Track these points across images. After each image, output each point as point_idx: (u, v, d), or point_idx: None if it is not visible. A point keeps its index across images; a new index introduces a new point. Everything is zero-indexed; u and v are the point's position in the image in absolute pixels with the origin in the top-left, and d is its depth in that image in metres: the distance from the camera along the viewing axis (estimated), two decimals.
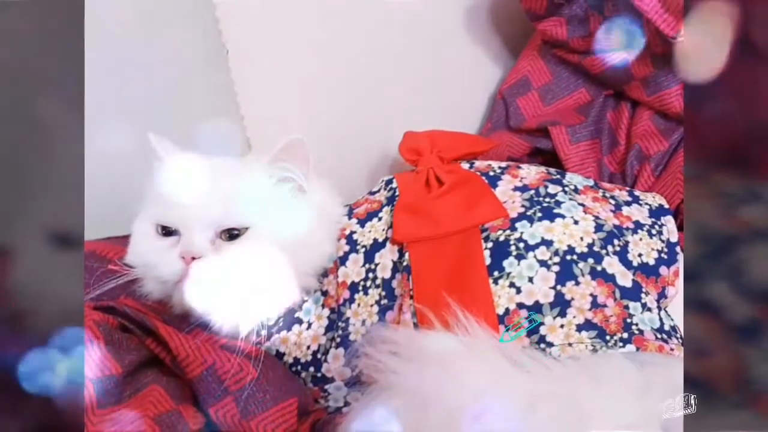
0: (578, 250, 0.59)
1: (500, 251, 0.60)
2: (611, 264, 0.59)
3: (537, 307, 0.57)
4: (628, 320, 0.57)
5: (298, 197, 0.63)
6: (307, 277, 0.64)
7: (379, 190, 0.70)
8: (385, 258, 0.63)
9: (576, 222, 0.61)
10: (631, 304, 0.57)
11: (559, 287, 0.58)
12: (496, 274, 0.59)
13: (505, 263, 0.59)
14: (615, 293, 0.58)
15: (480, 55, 0.97)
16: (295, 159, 0.62)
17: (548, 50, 0.90)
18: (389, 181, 0.70)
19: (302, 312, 0.64)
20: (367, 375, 0.58)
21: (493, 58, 0.98)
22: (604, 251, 0.60)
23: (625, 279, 0.59)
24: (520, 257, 0.59)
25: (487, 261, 0.60)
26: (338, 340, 0.63)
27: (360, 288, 0.63)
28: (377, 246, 0.64)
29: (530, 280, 0.58)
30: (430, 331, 0.57)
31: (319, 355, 0.63)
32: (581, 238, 0.60)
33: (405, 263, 0.62)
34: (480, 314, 0.57)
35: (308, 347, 0.63)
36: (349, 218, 0.67)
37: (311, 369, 0.63)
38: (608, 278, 0.58)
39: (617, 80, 0.84)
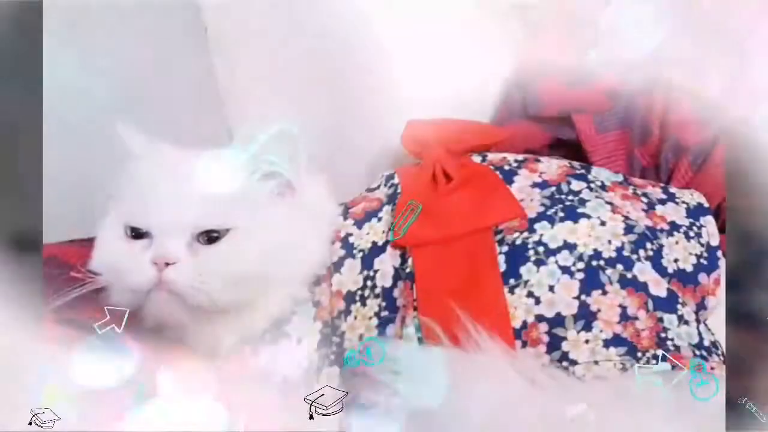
0: (605, 254, 0.60)
1: (517, 256, 0.60)
2: (643, 271, 0.59)
3: (559, 320, 0.58)
4: (663, 335, 0.57)
5: (286, 195, 0.63)
6: (296, 285, 0.64)
7: (378, 187, 0.70)
8: (386, 264, 0.64)
9: (603, 223, 0.62)
10: (666, 317, 0.58)
11: (583, 297, 0.58)
12: (512, 282, 0.59)
13: (523, 270, 0.60)
14: (647, 304, 0.58)
15: (493, 32, 0.97)
16: (284, 152, 0.62)
17: None
18: (390, 177, 0.70)
19: (291, 325, 0.64)
20: (365, 397, 0.58)
21: (508, 36, 0.98)
22: (635, 256, 0.60)
23: (659, 288, 0.59)
24: (539, 263, 0.60)
25: (502, 267, 0.60)
26: (332, 357, 0.63)
27: (357, 298, 0.63)
28: (376, 250, 0.65)
29: (551, 288, 0.59)
30: (437, 346, 0.58)
31: (310, 374, 0.63)
32: (609, 242, 0.60)
33: (408, 270, 0.62)
34: (493, 328, 0.57)
35: (299, 364, 0.63)
36: (345, 219, 0.68)
37: (302, 389, 0.62)
38: (640, 287, 0.59)
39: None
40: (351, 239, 0.66)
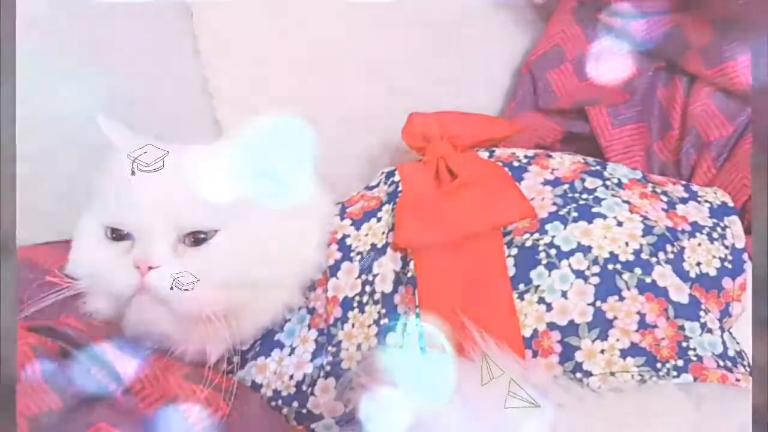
0: (622, 257, 0.60)
1: (527, 259, 0.60)
2: (663, 275, 0.59)
3: (572, 328, 0.58)
4: (684, 344, 0.57)
5: (279, 193, 0.63)
6: (289, 290, 0.64)
7: (378, 185, 0.71)
8: (386, 267, 0.64)
9: (620, 223, 0.62)
10: (688, 325, 0.58)
11: (599, 303, 0.58)
12: (521, 287, 0.60)
13: (533, 274, 0.60)
14: (668, 311, 0.58)
15: (501, 18, 0.97)
16: (276, 146, 0.62)
17: (586, 13, 0.91)
18: (390, 174, 0.70)
19: (284, 334, 0.65)
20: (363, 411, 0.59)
21: (518, 22, 0.98)
22: (654, 259, 0.60)
23: (680, 293, 0.59)
24: (551, 266, 0.60)
25: (511, 271, 0.60)
26: (328, 368, 0.63)
27: (355, 304, 0.64)
28: (375, 252, 0.65)
29: (564, 294, 0.59)
30: (441, 356, 0.58)
31: (304, 387, 0.63)
32: (626, 244, 0.61)
33: (410, 274, 0.62)
34: (502, 336, 0.58)
35: (291, 377, 0.64)
36: (342, 219, 0.68)
37: (295, 403, 0.63)
38: (659, 292, 0.59)
39: (670, 50, 0.85)
40: (348, 241, 0.66)
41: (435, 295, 0.61)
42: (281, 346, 0.64)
